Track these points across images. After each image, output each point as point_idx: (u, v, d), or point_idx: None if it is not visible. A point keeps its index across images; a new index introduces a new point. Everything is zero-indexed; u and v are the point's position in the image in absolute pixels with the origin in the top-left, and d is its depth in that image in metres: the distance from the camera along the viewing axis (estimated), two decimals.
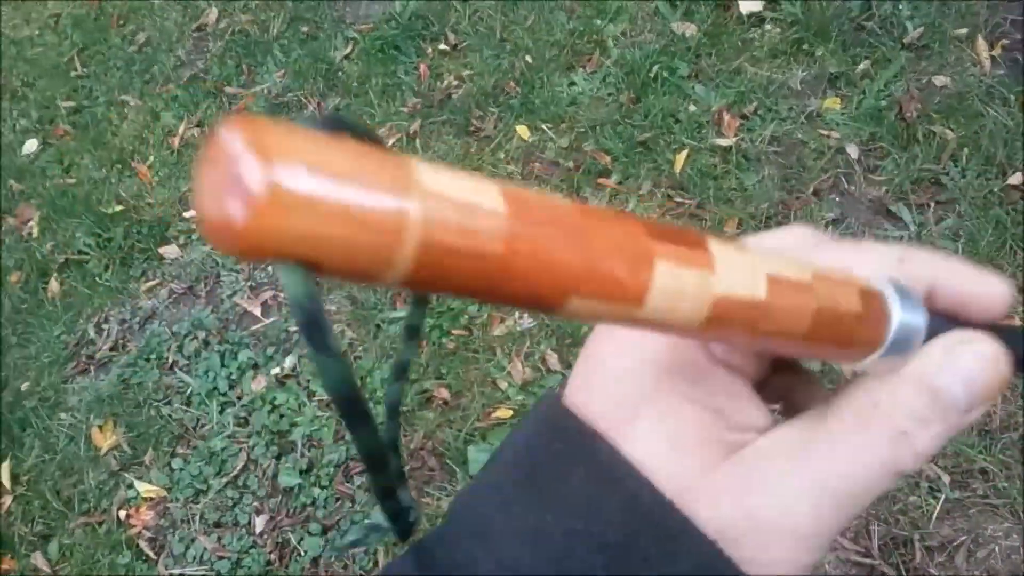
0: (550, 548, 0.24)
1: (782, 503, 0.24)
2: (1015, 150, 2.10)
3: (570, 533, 0.24)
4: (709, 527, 0.24)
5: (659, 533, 0.24)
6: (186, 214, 2.36)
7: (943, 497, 1.68)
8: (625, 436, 0.25)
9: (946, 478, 1.70)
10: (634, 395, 0.26)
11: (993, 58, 2.30)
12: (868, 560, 1.64)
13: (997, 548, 1.63)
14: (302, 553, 1.78)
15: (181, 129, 2.58)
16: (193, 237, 2.32)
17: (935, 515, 1.67)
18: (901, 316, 0.25)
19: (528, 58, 2.58)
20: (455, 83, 2.59)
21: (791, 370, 0.29)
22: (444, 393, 1.94)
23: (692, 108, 2.35)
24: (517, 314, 2.05)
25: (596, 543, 0.24)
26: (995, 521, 1.65)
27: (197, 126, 2.60)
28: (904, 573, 1.61)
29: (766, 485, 0.24)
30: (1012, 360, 0.25)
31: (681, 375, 0.26)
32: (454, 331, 2.03)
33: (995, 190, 2.05)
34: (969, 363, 0.24)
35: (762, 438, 0.26)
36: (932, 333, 0.26)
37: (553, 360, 1.95)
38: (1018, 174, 2.06)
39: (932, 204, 2.07)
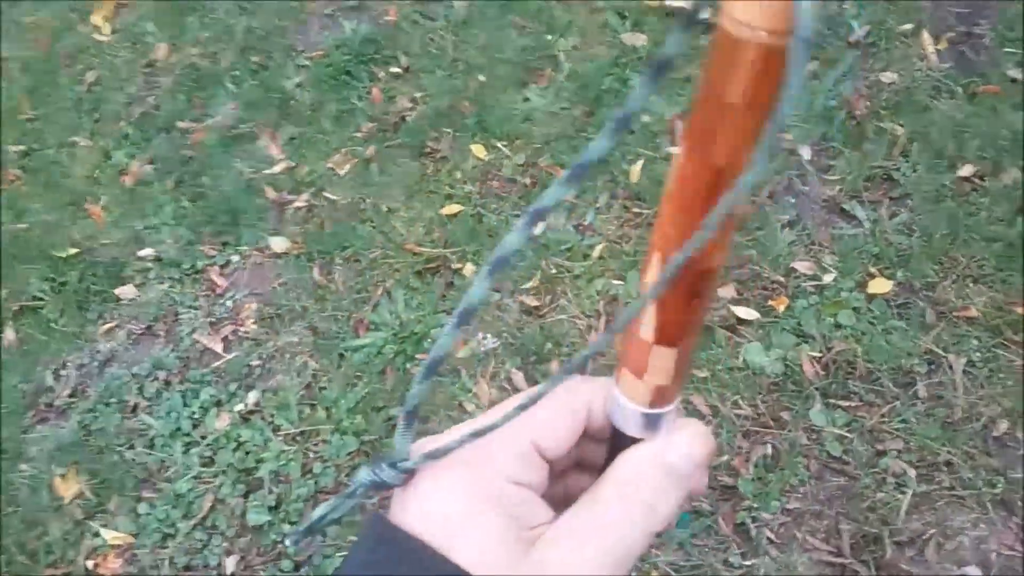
0: None
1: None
2: (964, 142, 2.12)
3: None
4: None
5: None
6: (141, 253, 2.34)
7: (910, 492, 1.68)
8: (454, 548, 0.32)
9: (912, 472, 1.70)
10: (458, 519, 0.33)
11: (939, 52, 2.33)
12: (840, 560, 1.64)
13: (966, 539, 1.63)
14: None
15: (134, 167, 2.56)
16: (150, 276, 2.29)
17: (903, 510, 1.67)
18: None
19: (481, 77, 2.58)
20: (409, 106, 2.59)
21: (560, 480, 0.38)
22: None
23: (646, 118, 2.36)
24: (480, 335, 2.04)
25: None
26: (962, 512, 1.66)
27: (149, 163, 2.58)
28: (876, 570, 1.61)
29: (559, 565, 0.32)
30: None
31: (489, 499, 0.33)
32: (418, 356, 2.02)
33: (946, 183, 2.07)
34: (687, 442, 0.34)
35: (550, 529, 0.33)
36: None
37: (519, 378, 1.94)
38: (968, 166, 2.08)
39: (885, 200, 2.09)
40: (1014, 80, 2.19)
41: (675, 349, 0.32)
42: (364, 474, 0.35)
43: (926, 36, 2.36)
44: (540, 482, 0.35)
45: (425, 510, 0.33)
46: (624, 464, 0.34)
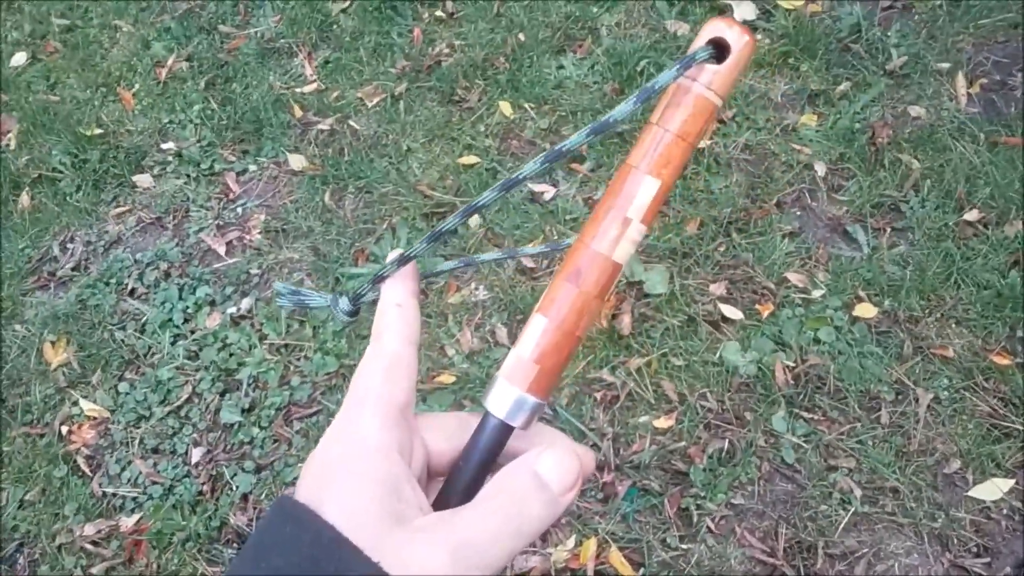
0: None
1: (423, 558, 0.34)
2: (976, 187, 2.16)
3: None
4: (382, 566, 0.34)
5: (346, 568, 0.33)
6: (164, 145, 2.39)
7: (852, 509, 1.74)
8: (324, 502, 0.35)
9: (858, 492, 1.76)
10: (332, 476, 0.36)
11: (970, 95, 2.36)
12: (772, 560, 1.71)
13: (897, 565, 1.70)
14: (233, 488, 1.83)
15: (170, 61, 2.60)
16: (168, 169, 2.35)
17: (842, 525, 1.73)
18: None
19: (521, 36, 2.61)
20: (446, 51, 2.62)
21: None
22: None
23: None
24: (473, 284, 2.10)
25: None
26: (899, 539, 1.73)
27: (187, 60, 2.62)
28: None
29: (414, 546, 0.34)
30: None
31: (387, 489, 0.36)
32: None
33: (950, 223, 2.11)
34: (558, 453, 0.36)
35: (421, 516, 0.36)
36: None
37: (502, 334, 2.00)
38: (975, 211, 2.12)
39: (888, 229, 2.13)
40: None
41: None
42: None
43: (961, 78, 2.38)
44: (421, 477, 0.39)
45: (312, 476, 0.37)
46: (499, 472, 0.37)
